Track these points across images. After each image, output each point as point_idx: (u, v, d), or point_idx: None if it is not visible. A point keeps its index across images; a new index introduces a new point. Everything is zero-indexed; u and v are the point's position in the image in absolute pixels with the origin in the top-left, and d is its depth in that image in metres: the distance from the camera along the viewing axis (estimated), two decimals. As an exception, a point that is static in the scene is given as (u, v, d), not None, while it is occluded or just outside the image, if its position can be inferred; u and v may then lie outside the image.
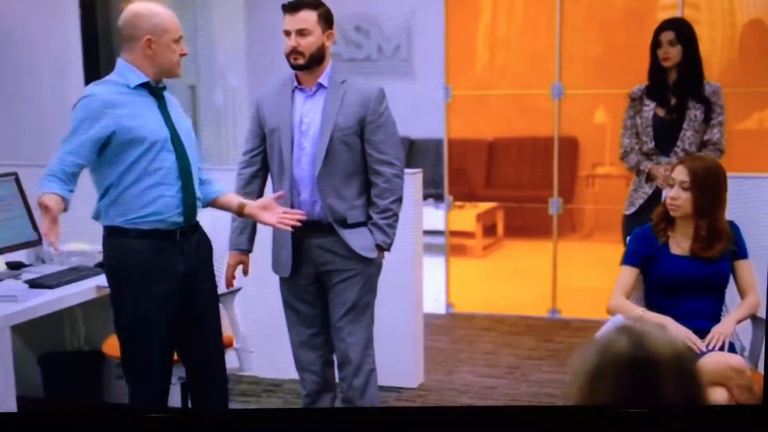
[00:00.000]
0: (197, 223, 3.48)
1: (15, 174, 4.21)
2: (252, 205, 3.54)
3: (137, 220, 3.32)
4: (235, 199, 3.58)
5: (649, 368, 1.74)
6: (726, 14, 6.47)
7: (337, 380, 3.93)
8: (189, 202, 3.37)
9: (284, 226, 3.50)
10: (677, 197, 3.62)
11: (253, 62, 7.73)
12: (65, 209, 3.22)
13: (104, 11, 7.42)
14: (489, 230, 7.55)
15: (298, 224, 3.51)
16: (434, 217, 6.77)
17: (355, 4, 8.07)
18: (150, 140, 3.30)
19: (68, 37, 6.00)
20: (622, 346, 1.75)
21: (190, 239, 3.42)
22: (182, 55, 3.37)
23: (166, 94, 3.44)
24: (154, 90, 3.38)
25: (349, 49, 8.19)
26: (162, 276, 3.37)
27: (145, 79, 3.35)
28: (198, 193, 3.42)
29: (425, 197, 7.11)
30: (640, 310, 3.63)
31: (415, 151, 8.39)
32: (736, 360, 3.45)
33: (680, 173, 3.63)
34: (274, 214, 3.49)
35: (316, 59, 3.61)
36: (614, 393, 1.75)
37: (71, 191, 3.25)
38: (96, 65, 6.41)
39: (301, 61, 3.60)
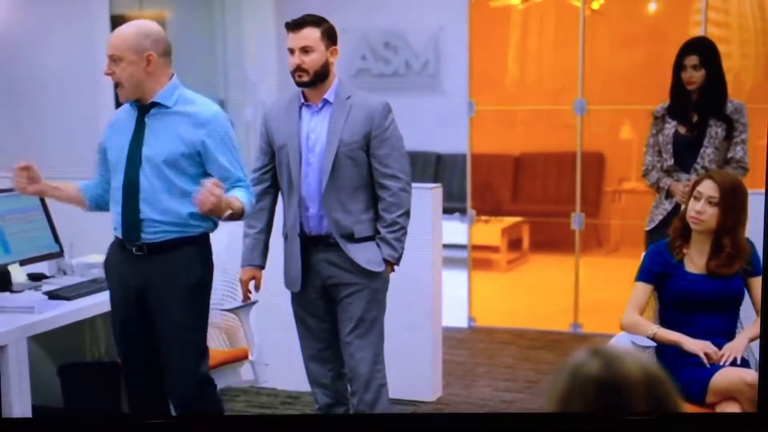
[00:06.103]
0: (172, 242, 3.41)
1: (38, 186, 4.25)
2: None
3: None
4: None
5: (618, 392, 1.71)
6: (758, 32, 6.42)
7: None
8: (128, 221, 3.41)
9: (204, 204, 3.27)
10: (703, 211, 3.61)
11: (283, 75, 7.74)
12: (82, 200, 3.61)
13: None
14: (514, 244, 7.55)
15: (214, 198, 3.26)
16: (460, 231, 6.79)
17: (385, 20, 8.09)
18: (109, 159, 3.48)
19: (98, 49, 6.02)
20: (592, 370, 1.72)
21: (152, 257, 3.42)
22: (107, 75, 3.37)
23: (181, 110, 3.42)
24: (139, 108, 3.44)
25: (378, 64, 8.22)
26: (117, 282, 3.54)
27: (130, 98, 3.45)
28: (151, 215, 3.39)
29: (452, 211, 7.14)
30: (654, 327, 3.64)
31: (443, 166, 8.40)
32: (750, 375, 3.48)
33: (709, 188, 3.61)
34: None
35: (321, 76, 3.63)
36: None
37: (98, 191, 3.60)
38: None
39: (305, 78, 3.63)
